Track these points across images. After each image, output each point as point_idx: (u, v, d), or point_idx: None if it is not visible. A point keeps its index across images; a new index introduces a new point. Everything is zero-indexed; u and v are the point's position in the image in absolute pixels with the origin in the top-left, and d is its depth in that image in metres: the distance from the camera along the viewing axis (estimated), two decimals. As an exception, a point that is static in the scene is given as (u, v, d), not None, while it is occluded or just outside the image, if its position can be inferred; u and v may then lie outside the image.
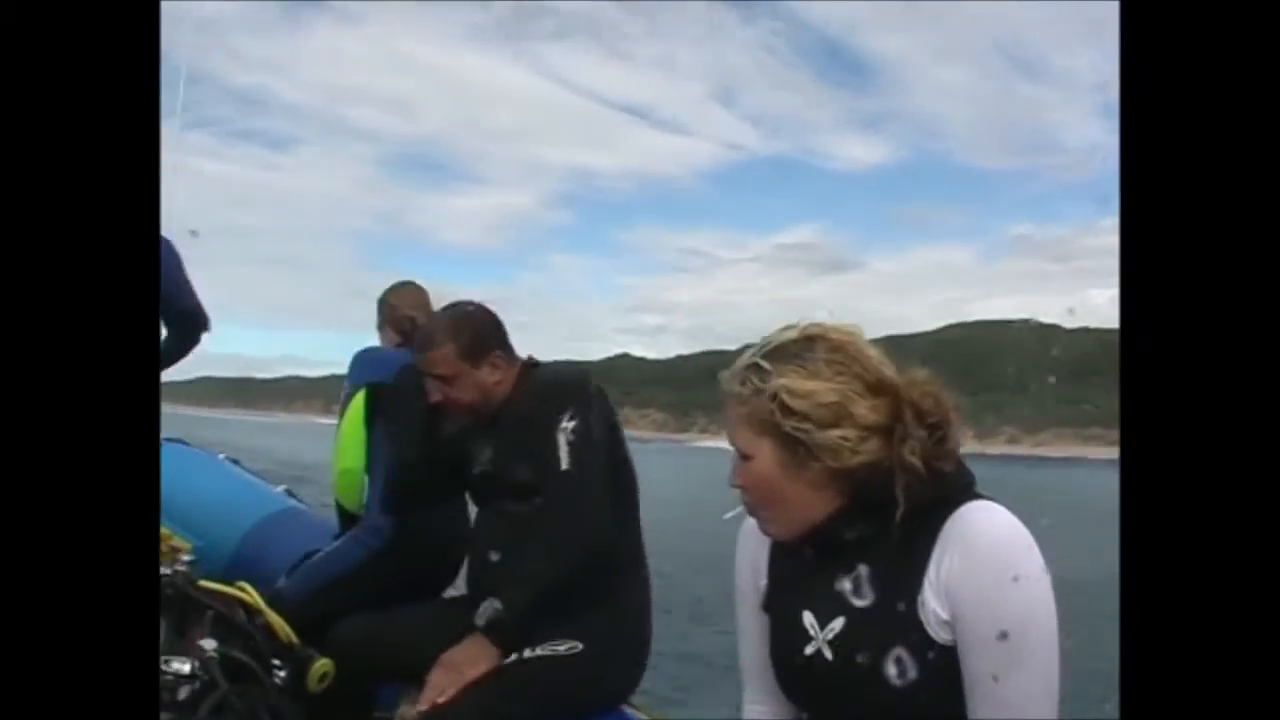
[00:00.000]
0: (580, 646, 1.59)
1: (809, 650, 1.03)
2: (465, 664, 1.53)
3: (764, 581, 1.13)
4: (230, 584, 1.75)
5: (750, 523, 1.13)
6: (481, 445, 1.80)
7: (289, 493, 2.96)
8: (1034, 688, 0.93)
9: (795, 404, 0.98)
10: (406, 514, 2.08)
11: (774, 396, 0.98)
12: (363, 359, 2.31)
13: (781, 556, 1.11)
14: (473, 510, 1.89)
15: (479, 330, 1.77)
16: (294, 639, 1.70)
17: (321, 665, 1.66)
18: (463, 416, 1.80)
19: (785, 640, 1.07)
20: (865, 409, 0.98)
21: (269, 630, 1.70)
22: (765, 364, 1.00)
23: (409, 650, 1.67)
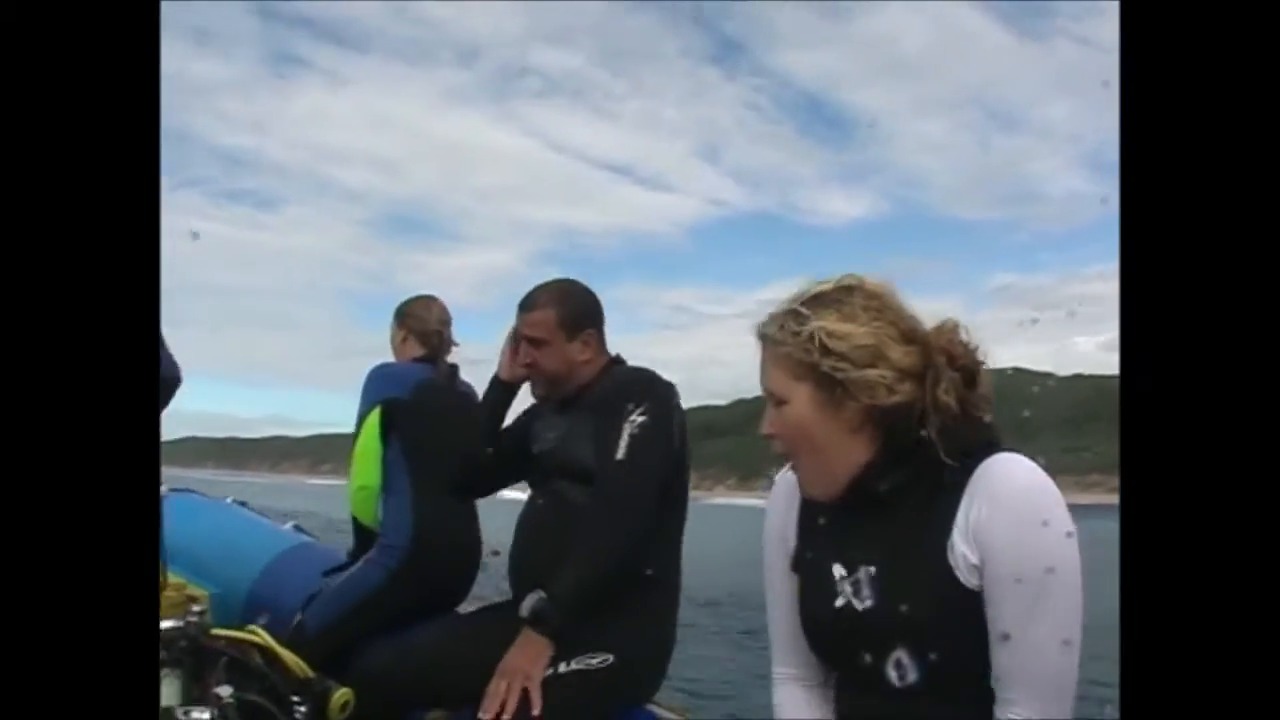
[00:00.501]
0: (611, 659, 1.58)
1: (839, 603, 1.04)
2: (527, 664, 1.50)
3: (794, 541, 1.14)
4: (242, 628, 1.77)
5: (777, 489, 1.15)
6: (548, 425, 1.79)
7: (298, 528, 2.97)
8: (1056, 634, 0.94)
9: (834, 344, 1.00)
10: (447, 512, 2.08)
11: (812, 337, 1.01)
12: (378, 375, 2.29)
13: (810, 514, 1.12)
14: (511, 496, 1.85)
15: (581, 304, 1.78)
16: (309, 673, 1.69)
17: (341, 695, 1.64)
18: (540, 387, 1.78)
19: (815, 595, 1.08)
20: (899, 354, 1.01)
21: (285, 668, 1.70)
22: (804, 309, 1.03)
23: (435, 671, 1.66)
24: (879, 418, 1.01)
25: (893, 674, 1.01)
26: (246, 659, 1.65)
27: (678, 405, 1.70)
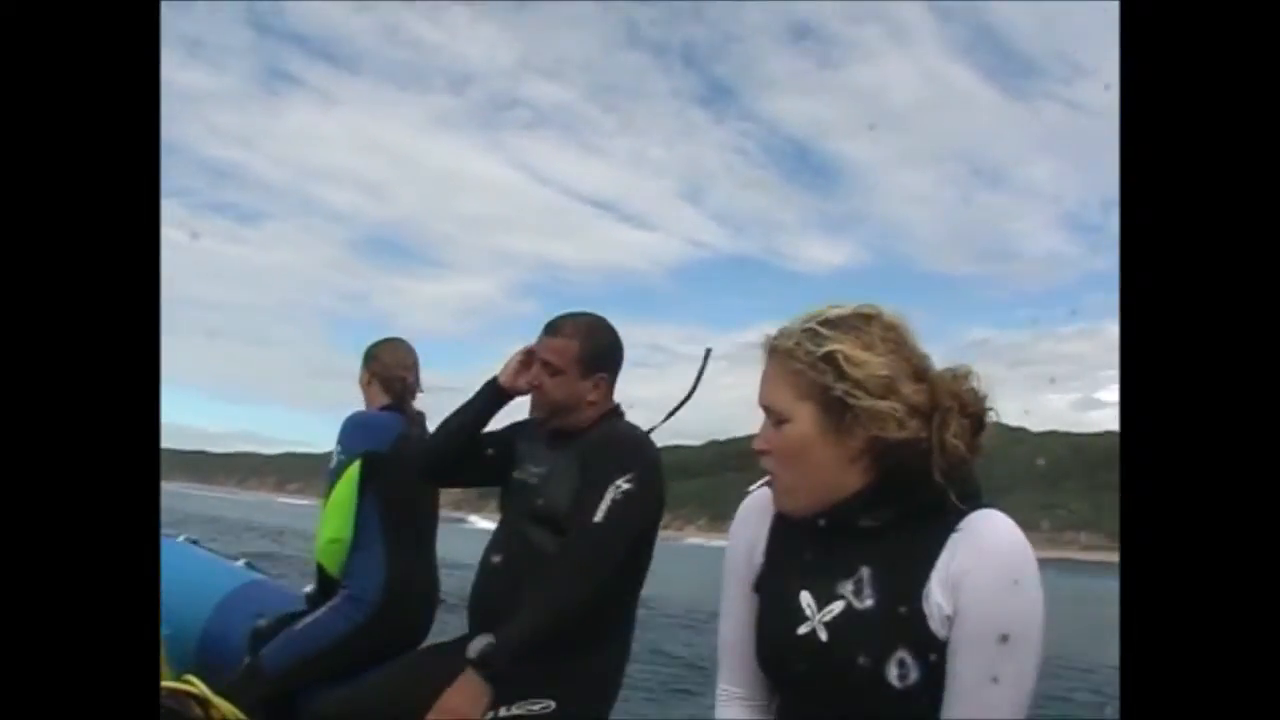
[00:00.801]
0: (553, 706, 1.58)
1: (803, 630, 1.02)
2: (464, 705, 1.51)
3: (760, 560, 1.11)
4: (179, 677, 1.73)
5: (751, 500, 1.12)
6: (534, 457, 1.79)
7: (249, 565, 2.97)
8: (1016, 693, 0.94)
9: (851, 370, 0.98)
10: (416, 567, 2.09)
11: (829, 359, 0.99)
12: (357, 425, 2.28)
13: (782, 535, 1.09)
14: (478, 526, 1.86)
15: (605, 346, 1.78)
16: None
17: None
18: (540, 410, 1.77)
19: (778, 618, 1.05)
20: (911, 389, 0.99)
21: (221, 717, 1.69)
22: (822, 330, 1.01)
23: (384, 710, 1.66)
24: (879, 451, 1.00)
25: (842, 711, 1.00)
26: (184, 709, 1.65)
27: (661, 471, 1.72)
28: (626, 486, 1.61)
